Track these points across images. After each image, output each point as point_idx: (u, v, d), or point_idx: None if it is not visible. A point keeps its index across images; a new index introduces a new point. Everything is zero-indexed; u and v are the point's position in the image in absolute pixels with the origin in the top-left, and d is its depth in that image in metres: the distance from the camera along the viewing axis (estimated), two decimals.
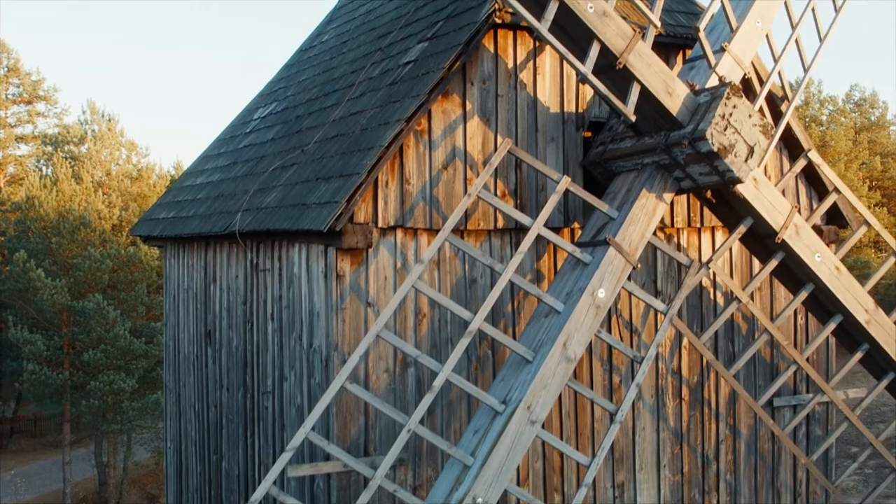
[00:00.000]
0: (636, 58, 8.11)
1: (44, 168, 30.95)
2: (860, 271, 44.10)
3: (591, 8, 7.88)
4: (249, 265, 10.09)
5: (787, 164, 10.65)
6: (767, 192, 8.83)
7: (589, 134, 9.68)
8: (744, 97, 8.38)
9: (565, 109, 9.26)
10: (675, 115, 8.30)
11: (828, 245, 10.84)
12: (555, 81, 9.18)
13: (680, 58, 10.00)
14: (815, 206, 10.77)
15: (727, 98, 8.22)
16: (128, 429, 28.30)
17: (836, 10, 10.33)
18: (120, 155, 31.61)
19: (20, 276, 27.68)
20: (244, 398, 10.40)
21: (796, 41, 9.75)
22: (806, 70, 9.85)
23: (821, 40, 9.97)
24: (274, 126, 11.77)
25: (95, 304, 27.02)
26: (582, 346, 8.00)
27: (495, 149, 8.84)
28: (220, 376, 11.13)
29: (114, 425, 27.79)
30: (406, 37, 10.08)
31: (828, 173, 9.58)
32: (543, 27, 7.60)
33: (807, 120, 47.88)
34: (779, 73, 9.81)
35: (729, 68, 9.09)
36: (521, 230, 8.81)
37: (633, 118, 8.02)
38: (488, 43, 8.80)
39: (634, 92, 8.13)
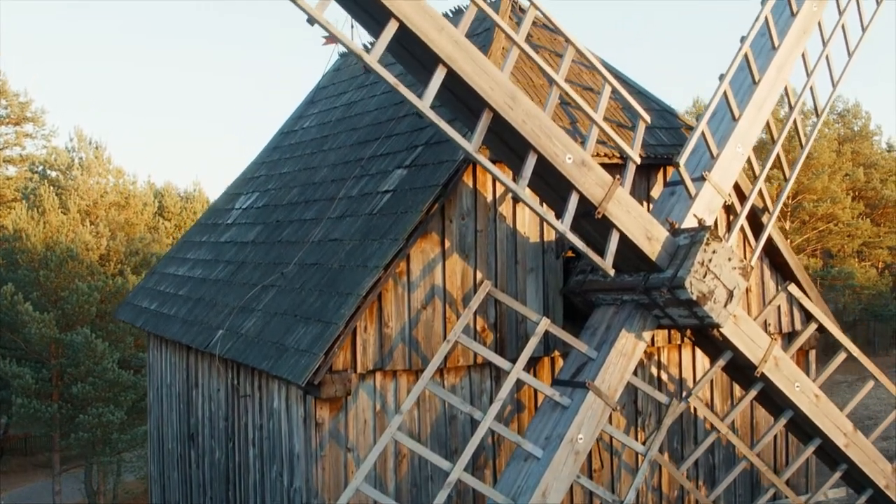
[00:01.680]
0: (615, 205, 8.07)
1: (31, 196, 30.73)
2: (844, 282, 44.35)
3: (569, 159, 7.84)
4: (230, 385, 10.07)
5: (767, 273, 10.67)
6: (747, 327, 8.84)
7: (571, 254, 9.65)
8: (723, 240, 8.38)
9: (545, 238, 9.24)
10: (654, 259, 8.29)
11: (807, 350, 10.90)
12: None
13: (660, 175, 9.98)
14: (794, 310, 10.80)
15: (706, 244, 8.21)
16: (117, 460, 28.30)
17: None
18: (107, 183, 31.37)
19: (8, 308, 27.57)
20: None
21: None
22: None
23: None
24: (255, 225, 11.70)
25: (83, 337, 26.93)
26: (561, 494, 8.03)
27: (474, 285, 8.81)
28: (203, 483, 11.13)
29: (103, 457, 27.81)
30: (386, 153, 10.01)
31: (807, 304, 9.60)
32: (521, 188, 7.56)
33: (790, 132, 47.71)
34: (759, 190, 9.84)
35: (710, 197, 9.08)
36: None
37: (611, 273, 7.99)
38: (467, 178, 8.76)
39: (613, 241, 8.10)
